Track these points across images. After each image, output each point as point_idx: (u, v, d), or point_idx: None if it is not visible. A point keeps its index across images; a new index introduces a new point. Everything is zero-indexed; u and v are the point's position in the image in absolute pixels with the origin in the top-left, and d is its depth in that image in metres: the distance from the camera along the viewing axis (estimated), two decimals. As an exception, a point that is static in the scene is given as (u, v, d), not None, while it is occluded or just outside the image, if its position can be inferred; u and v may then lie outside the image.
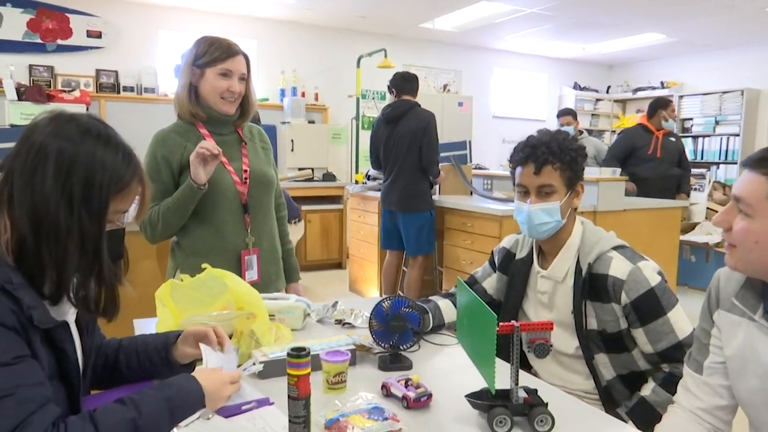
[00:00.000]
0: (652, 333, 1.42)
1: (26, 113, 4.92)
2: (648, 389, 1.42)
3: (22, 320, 0.87)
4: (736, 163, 7.21)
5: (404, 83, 4.12)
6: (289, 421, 0.96)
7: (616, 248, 1.50)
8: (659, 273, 1.46)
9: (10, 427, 0.79)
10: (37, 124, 0.93)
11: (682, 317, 1.43)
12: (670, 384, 1.38)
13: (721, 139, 7.42)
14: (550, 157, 1.49)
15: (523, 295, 1.64)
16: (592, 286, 1.48)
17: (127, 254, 1.05)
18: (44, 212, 0.87)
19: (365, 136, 6.77)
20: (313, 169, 3.99)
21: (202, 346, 1.17)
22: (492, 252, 1.79)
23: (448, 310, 1.70)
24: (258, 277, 1.87)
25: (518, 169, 1.55)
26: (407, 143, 3.97)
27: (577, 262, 1.52)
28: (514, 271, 1.67)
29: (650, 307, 1.42)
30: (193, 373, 1.05)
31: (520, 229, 1.62)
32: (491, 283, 1.76)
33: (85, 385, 1.07)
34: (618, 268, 1.45)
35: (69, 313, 1.00)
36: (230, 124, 1.88)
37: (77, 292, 0.94)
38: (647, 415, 1.39)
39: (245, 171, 1.85)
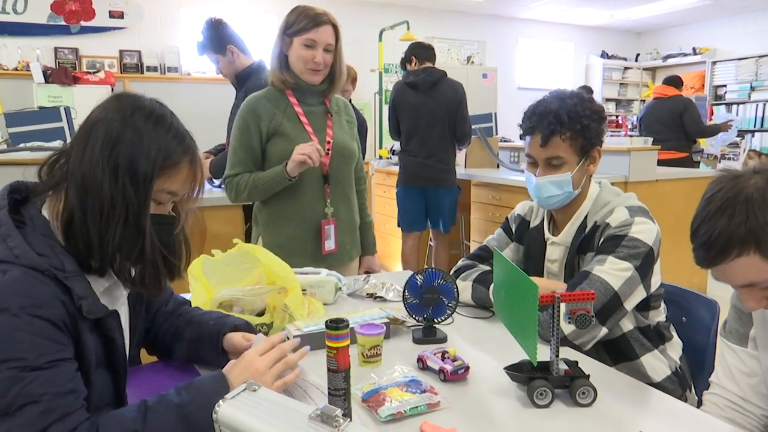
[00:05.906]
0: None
1: (53, 95, 4.97)
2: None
3: (71, 310, 0.86)
4: (772, 130, 6.97)
5: (424, 50, 3.84)
6: (329, 393, 0.95)
7: (628, 207, 1.40)
8: (654, 241, 1.34)
9: None
10: (99, 105, 0.94)
11: (620, 274, 1.30)
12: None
13: (757, 105, 7.17)
14: (558, 127, 1.38)
15: (542, 265, 1.56)
16: (586, 239, 1.43)
17: (188, 244, 1.03)
18: (91, 180, 0.88)
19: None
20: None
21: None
22: (507, 219, 1.70)
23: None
24: (335, 247, 1.94)
25: (527, 138, 1.47)
26: (444, 115, 3.67)
27: (584, 221, 1.46)
28: (530, 240, 1.59)
29: (606, 246, 1.35)
30: (225, 369, 0.99)
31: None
32: (508, 254, 1.67)
33: (128, 369, 1.06)
34: (615, 218, 1.38)
35: (119, 302, 1.00)
36: (318, 94, 1.93)
37: (120, 266, 0.93)
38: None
39: (328, 143, 1.91)
